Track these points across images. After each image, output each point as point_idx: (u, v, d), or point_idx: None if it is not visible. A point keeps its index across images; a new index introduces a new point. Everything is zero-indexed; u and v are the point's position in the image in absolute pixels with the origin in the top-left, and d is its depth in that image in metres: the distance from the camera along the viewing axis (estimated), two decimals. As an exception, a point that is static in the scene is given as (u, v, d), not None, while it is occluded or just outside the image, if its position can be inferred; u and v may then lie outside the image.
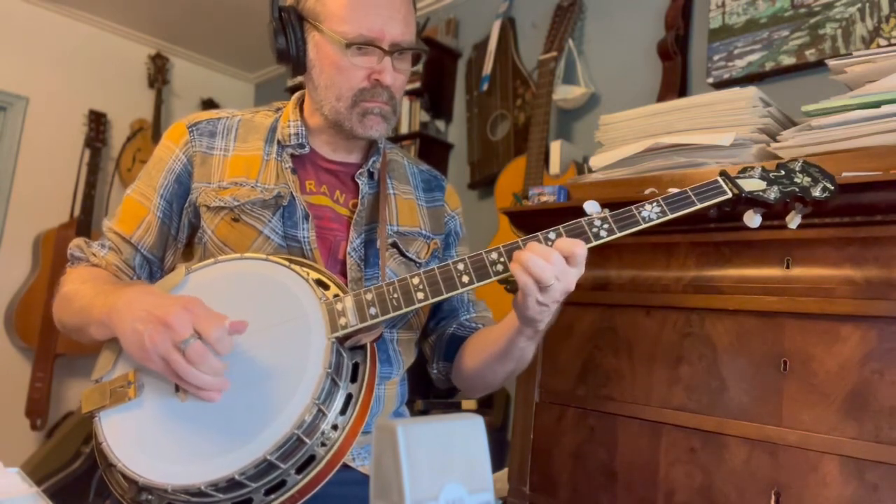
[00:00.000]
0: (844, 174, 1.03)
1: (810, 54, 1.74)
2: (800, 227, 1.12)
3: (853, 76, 1.22)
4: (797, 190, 0.89)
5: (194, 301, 0.78)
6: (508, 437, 2.06)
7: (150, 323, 0.76)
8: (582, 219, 0.86)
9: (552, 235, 0.86)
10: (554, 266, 0.80)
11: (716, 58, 1.94)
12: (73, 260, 1.03)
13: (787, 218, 0.92)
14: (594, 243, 0.85)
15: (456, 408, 2.26)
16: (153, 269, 1.04)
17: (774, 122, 1.32)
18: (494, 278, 0.85)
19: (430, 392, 2.33)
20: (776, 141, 1.26)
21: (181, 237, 1.03)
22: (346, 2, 0.95)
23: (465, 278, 0.85)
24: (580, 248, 0.82)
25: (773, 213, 0.92)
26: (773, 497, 1.09)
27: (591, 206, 0.87)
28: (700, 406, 1.21)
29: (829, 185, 0.89)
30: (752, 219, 0.90)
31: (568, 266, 0.81)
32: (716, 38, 1.95)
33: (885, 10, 1.63)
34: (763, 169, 0.91)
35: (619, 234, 0.85)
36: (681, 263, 1.29)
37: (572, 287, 0.83)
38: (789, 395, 1.11)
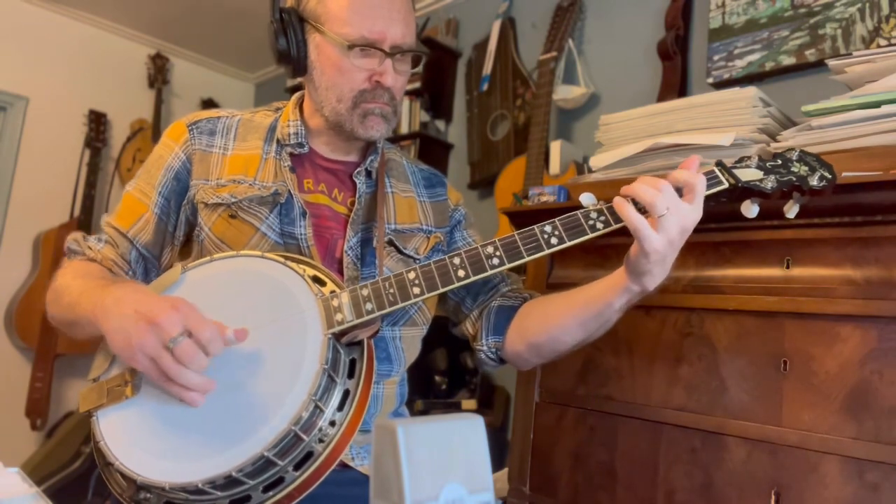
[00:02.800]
0: (844, 174, 1.03)
1: (810, 54, 1.74)
2: (800, 227, 1.12)
3: (853, 76, 1.22)
4: (794, 179, 0.88)
5: (183, 301, 0.77)
6: (508, 437, 2.06)
7: (138, 322, 0.75)
8: (578, 211, 0.86)
9: (548, 228, 0.86)
10: (664, 194, 0.78)
11: (716, 58, 1.94)
12: (69, 253, 1.03)
13: (785, 208, 0.91)
14: (591, 235, 0.84)
15: (456, 408, 2.26)
16: (148, 265, 1.03)
17: (774, 122, 1.32)
18: (490, 272, 0.85)
19: (430, 392, 2.33)
20: (776, 141, 1.26)
21: (178, 234, 1.03)
22: (347, 4, 0.95)
23: (461, 272, 0.85)
24: (697, 181, 0.80)
25: (774, 210, 0.92)
26: (773, 497, 1.09)
27: (587, 199, 0.87)
28: (700, 406, 1.21)
29: (826, 174, 0.89)
30: (750, 209, 0.90)
31: (681, 199, 0.80)
32: (716, 38, 1.95)
33: (885, 10, 1.63)
34: (760, 159, 0.91)
35: (615, 226, 0.85)
36: (681, 263, 1.29)
37: (689, 225, 0.81)
38: (789, 395, 1.11)
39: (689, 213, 0.80)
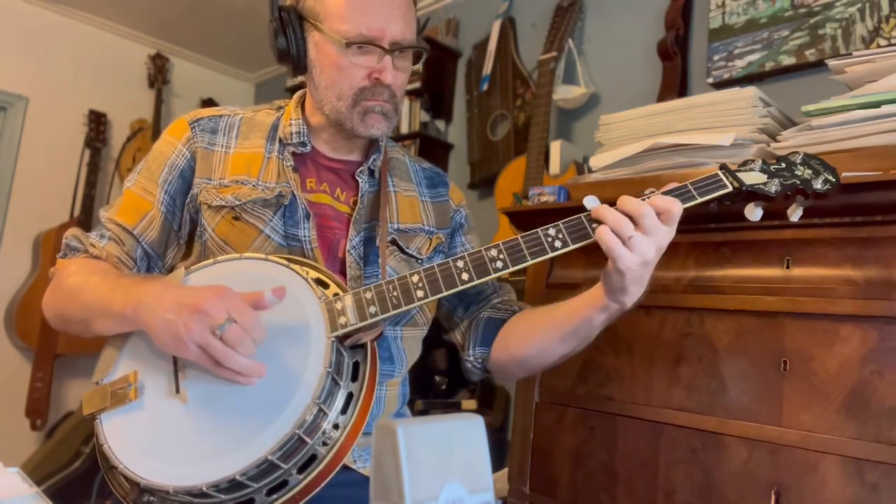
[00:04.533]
0: (844, 174, 1.03)
1: (810, 54, 1.74)
2: (800, 227, 1.12)
3: (853, 76, 1.22)
4: (798, 182, 0.88)
5: (224, 288, 0.78)
6: (508, 437, 2.06)
7: (183, 312, 0.76)
8: (581, 215, 0.86)
9: (552, 231, 0.85)
10: (643, 219, 0.79)
11: (716, 58, 1.94)
12: (67, 250, 1.01)
13: (789, 211, 0.91)
14: (595, 238, 0.84)
15: (456, 408, 2.26)
16: (151, 264, 1.02)
17: (774, 122, 1.32)
18: (494, 275, 0.85)
19: (430, 392, 2.33)
20: (776, 141, 1.26)
21: (183, 233, 1.02)
22: (345, 1, 0.95)
23: (465, 276, 0.85)
24: (676, 206, 0.81)
25: (775, 210, 0.92)
26: (773, 497, 1.09)
27: (590, 202, 0.87)
28: (700, 406, 1.21)
29: (830, 178, 0.89)
30: (753, 212, 0.90)
31: (660, 222, 0.81)
32: (716, 38, 1.95)
33: (885, 10, 1.63)
34: (763, 162, 0.90)
35: None
36: (681, 263, 1.29)
37: (664, 245, 0.82)
38: (789, 395, 1.11)
39: (665, 236, 0.82)
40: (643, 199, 0.83)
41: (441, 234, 1.11)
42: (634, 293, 0.85)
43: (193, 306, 0.76)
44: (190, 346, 0.76)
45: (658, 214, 0.81)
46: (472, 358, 1.07)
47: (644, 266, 0.82)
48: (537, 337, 0.98)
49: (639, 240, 0.80)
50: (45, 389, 3.13)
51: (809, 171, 0.89)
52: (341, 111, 0.98)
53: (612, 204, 0.87)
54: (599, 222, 0.84)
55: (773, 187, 0.87)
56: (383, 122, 0.99)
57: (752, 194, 0.87)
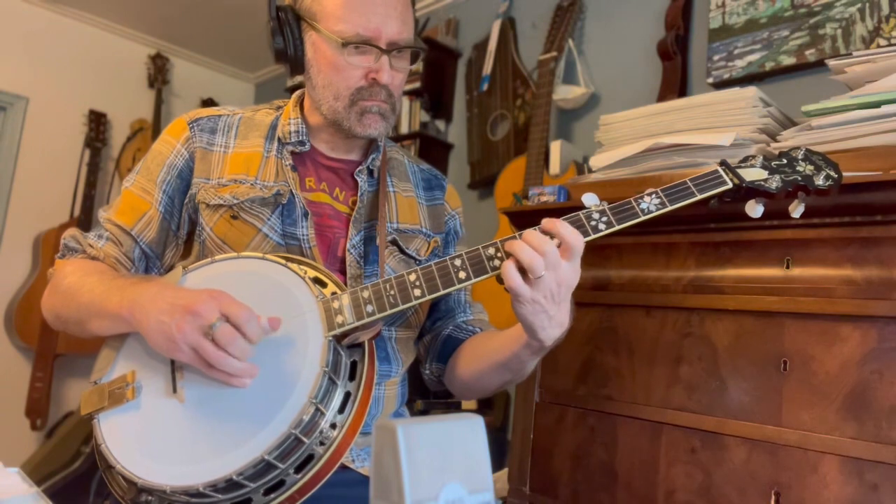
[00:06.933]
0: (844, 174, 1.03)
1: (810, 54, 1.74)
2: (800, 226, 1.12)
3: (853, 76, 1.22)
4: (800, 179, 0.87)
5: (219, 290, 0.78)
6: (508, 437, 2.06)
7: (176, 313, 0.76)
8: (580, 212, 0.85)
9: None
10: (546, 257, 0.78)
11: (716, 58, 1.94)
12: (66, 251, 1.01)
13: (790, 207, 0.90)
14: (593, 236, 0.84)
15: (456, 408, 2.25)
16: (150, 264, 1.02)
17: (774, 122, 1.32)
18: (491, 273, 0.84)
19: (431, 392, 2.33)
20: (776, 141, 1.26)
21: (181, 233, 1.02)
22: (342, 1, 0.94)
23: (462, 274, 0.84)
24: (576, 239, 0.80)
25: (775, 210, 0.92)
26: (773, 497, 1.09)
27: (589, 199, 0.86)
28: (700, 406, 1.21)
29: (832, 174, 0.88)
30: (755, 209, 0.89)
31: (560, 258, 0.80)
32: (716, 38, 1.95)
33: (885, 10, 1.63)
34: (764, 158, 0.90)
35: (618, 227, 0.84)
36: (681, 263, 1.29)
37: (569, 281, 0.81)
38: (789, 395, 1.11)
39: (569, 271, 0.81)
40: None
41: (437, 237, 1.11)
42: (545, 328, 0.83)
43: (186, 307, 0.76)
44: (182, 348, 0.76)
45: (558, 246, 0.80)
46: (428, 371, 1.10)
47: (551, 304, 0.81)
48: (476, 365, 1.00)
49: (542, 280, 0.79)
50: (45, 389, 3.13)
51: (811, 167, 0.89)
52: (338, 111, 0.98)
53: (612, 201, 0.87)
54: (604, 216, 0.84)
55: (775, 183, 0.86)
56: (381, 123, 0.98)
57: (753, 191, 0.87)
